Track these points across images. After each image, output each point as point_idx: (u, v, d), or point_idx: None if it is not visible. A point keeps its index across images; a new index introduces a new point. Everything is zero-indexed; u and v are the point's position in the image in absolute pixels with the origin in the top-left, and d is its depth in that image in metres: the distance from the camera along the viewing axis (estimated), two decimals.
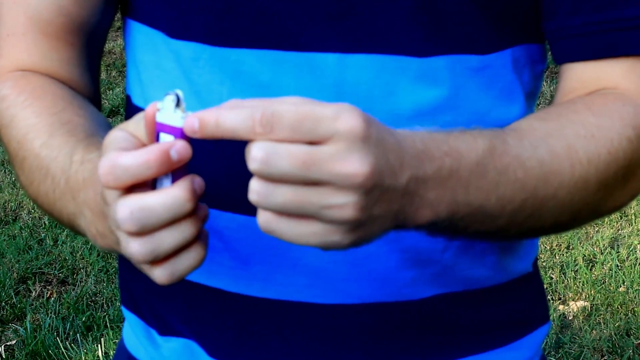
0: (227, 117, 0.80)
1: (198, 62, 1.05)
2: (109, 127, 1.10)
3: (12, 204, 4.04)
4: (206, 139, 0.82)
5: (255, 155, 0.79)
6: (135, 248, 0.84)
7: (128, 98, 1.16)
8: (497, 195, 0.91)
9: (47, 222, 3.89)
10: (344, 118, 0.80)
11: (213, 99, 1.03)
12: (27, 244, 3.77)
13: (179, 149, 0.82)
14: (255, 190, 0.81)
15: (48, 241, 3.78)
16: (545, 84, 5.38)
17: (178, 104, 0.83)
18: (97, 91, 1.18)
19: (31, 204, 4.01)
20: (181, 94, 0.83)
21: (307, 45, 1.01)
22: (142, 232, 0.83)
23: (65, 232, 3.82)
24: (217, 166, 1.04)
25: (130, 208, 0.82)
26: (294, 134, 0.79)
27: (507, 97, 1.08)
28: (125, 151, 0.84)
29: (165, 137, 0.84)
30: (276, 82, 1.02)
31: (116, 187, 0.83)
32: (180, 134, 0.83)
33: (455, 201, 0.89)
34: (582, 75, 1.04)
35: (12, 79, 1.11)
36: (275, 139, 0.79)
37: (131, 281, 1.20)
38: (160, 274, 0.86)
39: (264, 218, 0.82)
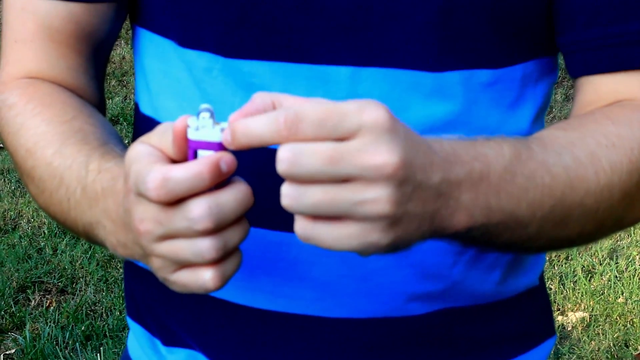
0: (253, 125, 0.81)
1: (211, 72, 1.05)
2: (118, 135, 1.10)
3: (12, 213, 4.03)
4: (240, 150, 0.82)
5: (283, 157, 0.79)
6: (206, 245, 0.84)
7: (136, 106, 1.17)
8: (527, 200, 0.91)
9: (46, 231, 3.89)
10: (368, 111, 0.80)
11: (225, 109, 1.04)
12: (26, 252, 3.76)
13: (228, 161, 0.83)
14: (287, 194, 0.81)
15: (47, 250, 3.77)
16: None
17: (212, 116, 0.84)
18: (103, 99, 1.18)
19: (31, 212, 4.01)
20: (212, 108, 0.84)
21: (320, 57, 1.01)
22: (217, 228, 0.84)
23: (64, 242, 3.82)
24: None
25: (208, 204, 0.83)
26: (319, 132, 0.79)
27: (518, 111, 1.08)
28: (163, 163, 0.84)
29: (204, 154, 0.84)
30: (288, 94, 1.02)
31: (168, 200, 0.83)
32: (219, 147, 0.84)
33: (488, 206, 0.88)
34: (599, 88, 1.04)
35: (20, 87, 1.11)
36: (302, 138, 0.79)
37: (136, 291, 1.21)
38: (213, 276, 0.86)
39: (300, 225, 0.82)
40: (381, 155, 0.79)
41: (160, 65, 1.10)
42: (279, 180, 0.83)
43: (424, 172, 0.83)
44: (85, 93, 1.14)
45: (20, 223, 3.97)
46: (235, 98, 1.04)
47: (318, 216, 0.81)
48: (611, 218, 1.00)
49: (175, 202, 0.84)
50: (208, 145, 0.84)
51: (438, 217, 0.85)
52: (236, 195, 0.84)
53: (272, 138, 0.80)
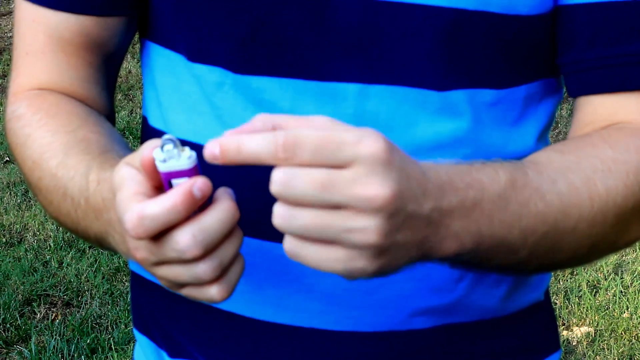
0: (249, 143, 0.81)
1: (222, 87, 1.05)
2: (124, 141, 1.10)
3: (18, 226, 4.04)
4: (226, 166, 0.83)
5: (277, 178, 0.80)
6: (202, 269, 0.85)
7: (144, 119, 1.17)
8: (520, 227, 0.92)
9: (52, 245, 3.89)
10: (366, 142, 0.80)
11: (236, 124, 1.03)
12: (32, 266, 3.76)
13: (201, 187, 0.84)
14: (278, 213, 0.82)
15: (53, 263, 3.78)
16: None
17: (175, 146, 0.84)
18: (113, 110, 1.19)
19: (36, 226, 4.02)
20: (172, 136, 0.84)
21: (329, 74, 1.02)
22: (206, 252, 0.85)
23: (70, 255, 3.82)
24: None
25: (192, 232, 0.84)
26: (316, 158, 0.80)
27: (521, 129, 1.08)
28: (142, 196, 0.85)
29: (178, 182, 0.85)
30: (297, 110, 1.02)
31: (148, 237, 0.84)
32: (192, 173, 0.84)
33: (479, 232, 0.89)
34: (598, 109, 1.05)
35: (29, 98, 1.12)
36: (298, 163, 0.80)
37: (143, 303, 1.21)
38: (219, 290, 0.87)
39: (289, 244, 0.83)
40: (373, 187, 0.80)
41: (170, 79, 1.10)
42: None
43: (416, 202, 0.83)
44: (96, 104, 1.15)
45: (26, 236, 3.98)
46: (246, 112, 1.04)
47: (307, 237, 0.82)
48: (604, 241, 1.00)
49: (161, 233, 0.85)
50: (179, 174, 0.84)
51: (427, 243, 0.86)
52: (219, 215, 0.85)
53: (269, 159, 0.81)
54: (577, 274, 3.80)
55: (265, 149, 0.81)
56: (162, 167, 0.84)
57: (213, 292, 0.87)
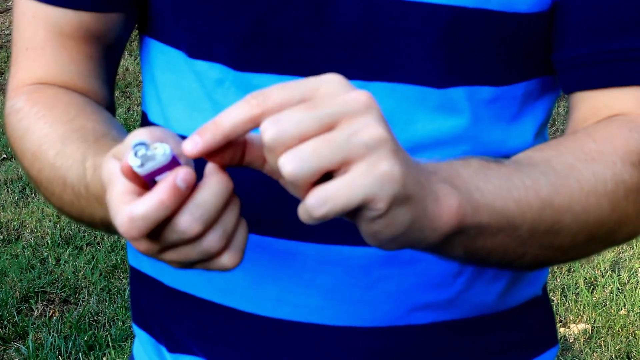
0: (223, 115, 0.81)
1: (223, 84, 1.06)
2: (122, 128, 1.10)
3: (15, 223, 4.04)
4: (210, 151, 0.82)
5: (265, 126, 0.79)
6: (208, 243, 0.84)
7: (144, 115, 1.17)
8: (514, 199, 0.92)
9: (49, 242, 3.90)
10: (324, 75, 0.82)
11: None
12: (29, 263, 3.77)
13: (184, 177, 0.82)
14: (286, 160, 0.78)
15: (50, 260, 3.78)
16: None
17: (148, 147, 0.83)
18: (114, 104, 1.20)
19: (34, 223, 4.02)
20: (141, 139, 0.84)
21: (329, 72, 1.02)
22: (207, 227, 0.84)
23: (67, 252, 3.82)
24: None
25: (190, 212, 0.83)
26: (285, 95, 0.80)
27: (519, 126, 1.09)
28: (131, 195, 0.84)
29: (162, 177, 0.84)
30: None
31: (143, 236, 0.84)
32: (171, 165, 0.83)
33: (474, 199, 0.88)
34: (594, 104, 1.05)
35: (27, 92, 1.12)
36: (272, 106, 0.80)
37: (142, 298, 1.21)
38: (229, 258, 0.86)
39: (311, 198, 0.79)
40: (350, 92, 0.80)
41: (170, 76, 1.10)
42: (285, 189, 0.84)
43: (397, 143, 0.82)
44: (97, 97, 1.15)
45: (24, 233, 3.98)
46: None
47: (321, 180, 0.80)
48: (602, 230, 1.00)
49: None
50: (160, 170, 0.83)
51: (422, 207, 0.84)
52: (212, 189, 0.84)
53: (245, 115, 0.81)
54: (574, 271, 3.80)
55: (238, 108, 0.81)
56: (142, 171, 0.83)
57: (224, 261, 0.86)
